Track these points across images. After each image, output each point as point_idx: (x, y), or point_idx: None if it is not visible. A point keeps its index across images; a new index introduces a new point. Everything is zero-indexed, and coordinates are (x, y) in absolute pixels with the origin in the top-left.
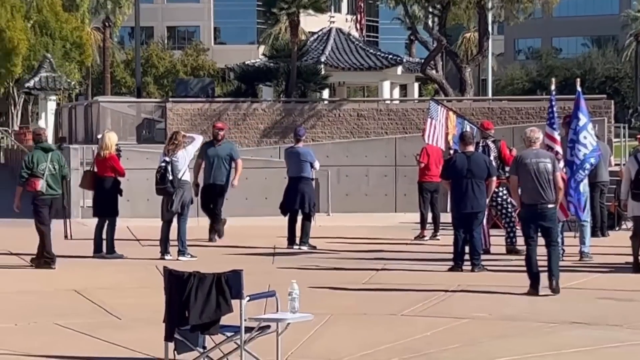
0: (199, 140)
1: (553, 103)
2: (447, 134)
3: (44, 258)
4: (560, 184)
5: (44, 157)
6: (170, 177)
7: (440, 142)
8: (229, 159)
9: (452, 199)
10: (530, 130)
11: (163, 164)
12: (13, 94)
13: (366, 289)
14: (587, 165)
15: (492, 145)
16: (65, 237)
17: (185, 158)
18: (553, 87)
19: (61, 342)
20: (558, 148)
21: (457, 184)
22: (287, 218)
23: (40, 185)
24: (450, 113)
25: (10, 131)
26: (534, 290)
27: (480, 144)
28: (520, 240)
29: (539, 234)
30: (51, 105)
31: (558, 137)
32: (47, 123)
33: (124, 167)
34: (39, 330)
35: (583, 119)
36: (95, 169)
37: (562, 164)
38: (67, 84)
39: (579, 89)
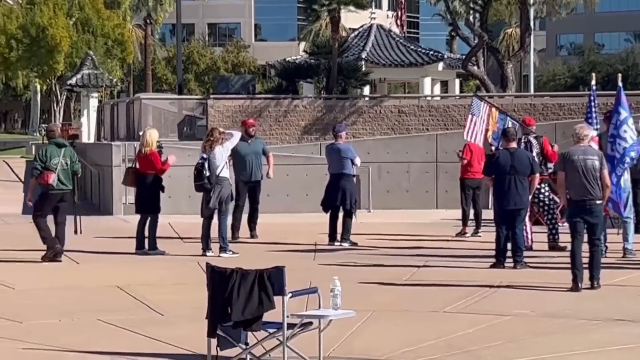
0: (237, 136)
1: (592, 98)
2: (486, 131)
3: (50, 251)
4: (607, 181)
5: (57, 151)
6: (208, 174)
7: (479, 139)
8: (262, 155)
9: (495, 196)
10: (580, 127)
11: (200, 161)
12: (55, 91)
13: (408, 284)
14: (627, 159)
15: (534, 142)
16: (75, 232)
17: (222, 154)
18: (593, 82)
19: (103, 338)
20: (593, 144)
21: (500, 181)
22: (328, 215)
23: (52, 179)
24: (493, 109)
25: None
26: (576, 286)
27: (523, 140)
28: (562, 237)
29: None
30: (93, 103)
31: (594, 134)
32: (89, 120)
33: (169, 164)
34: (82, 326)
35: (624, 113)
36: (137, 166)
37: None
38: (109, 81)
39: (619, 84)
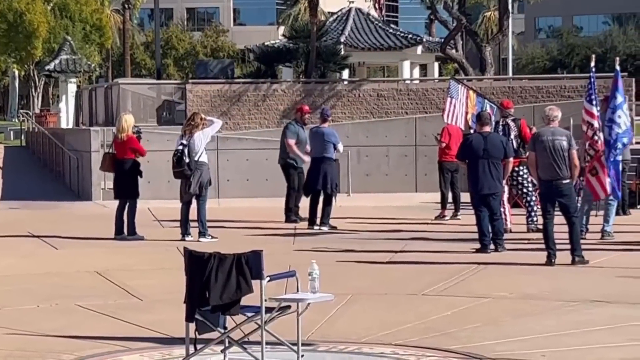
0: (217, 124)
1: (593, 79)
2: (466, 113)
3: None
4: (576, 161)
5: None
6: (187, 160)
7: (459, 121)
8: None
9: (469, 180)
10: (550, 108)
11: (180, 147)
12: (34, 77)
13: (387, 268)
14: (619, 145)
15: (512, 124)
16: None
17: (202, 140)
18: (593, 63)
19: (82, 323)
20: (595, 122)
21: (474, 165)
22: (308, 199)
23: None
24: (471, 92)
25: (31, 114)
26: (549, 261)
27: (501, 123)
28: (541, 220)
29: (557, 209)
30: (72, 88)
31: (597, 113)
32: (67, 106)
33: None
34: (61, 311)
35: (619, 98)
36: (114, 151)
37: (597, 136)
38: (87, 67)
39: (617, 67)
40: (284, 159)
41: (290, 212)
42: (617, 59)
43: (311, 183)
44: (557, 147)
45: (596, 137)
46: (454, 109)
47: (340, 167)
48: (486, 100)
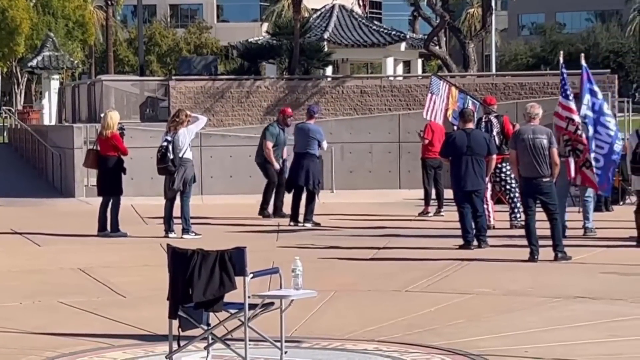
0: (202, 121)
1: (565, 75)
2: (447, 110)
3: None
4: (556, 159)
5: None
6: (171, 156)
7: (439, 117)
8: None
9: (452, 177)
10: (531, 106)
11: (164, 143)
12: (16, 74)
13: (370, 265)
14: (618, 142)
15: (494, 121)
16: None
17: (186, 136)
18: (561, 59)
19: (66, 320)
20: (576, 117)
21: (457, 162)
22: (291, 195)
23: None
24: (453, 88)
25: (13, 110)
26: (532, 257)
27: (483, 120)
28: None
29: (538, 205)
30: (54, 85)
31: (574, 107)
32: (50, 102)
33: (127, 145)
34: (44, 309)
35: (600, 94)
36: (98, 148)
37: (580, 130)
38: (70, 63)
39: (583, 63)
40: (261, 156)
41: (266, 205)
42: (582, 55)
43: (293, 179)
44: (538, 145)
45: (579, 132)
46: (434, 105)
47: (324, 164)
48: (468, 97)
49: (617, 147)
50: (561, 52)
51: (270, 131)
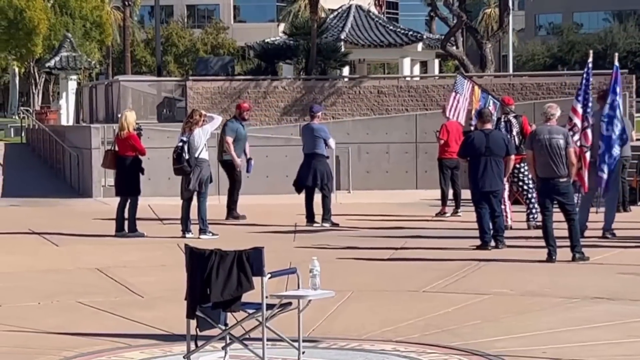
0: (217, 120)
1: (589, 77)
2: (470, 110)
3: None
4: (573, 158)
5: None
6: (187, 156)
7: (461, 117)
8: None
9: (470, 178)
10: (548, 106)
11: (180, 144)
12: (34, 74)
13: (388, 265)
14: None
15: (514, 121)
16: None
17: (201, 136)
18: (590, 59)
19: (83, 320)
20: (577, 120)
21: (475, 162)
22: (303, 196)
23: None
24: (476, 87)
25: (31, 111)
26: (550, 258)
27: (502, 120)
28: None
29: (556, 206)
30: (72, 85)
31: (580, 110)
32: (67, 103)
33: (144, 146)
34: (62, 309)
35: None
36: (116, 149)
37: (576, 137)
38: (87, 64)
39: (616, 63)
40: (222, 153)
41: (234, 206)
42: (617, 54)
43: (301, 179)
44: (554, 145)
45: (576, 138)
46: (457, 104)
47: (340, 164)
48: (490, 97)
49: (615, 151)
50: (590, 52)
51: (229, 126)
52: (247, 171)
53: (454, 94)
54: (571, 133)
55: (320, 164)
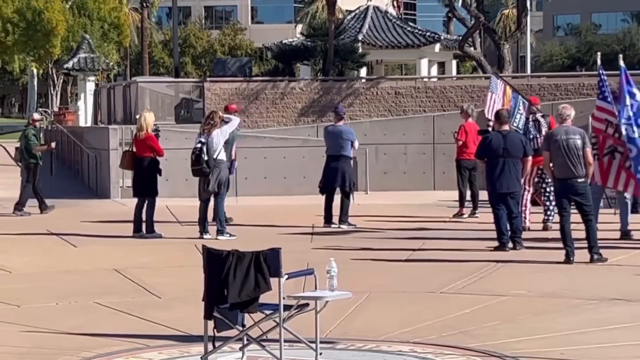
0: (235, 121)
1: (603, 77)
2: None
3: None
4: (590, 159)
5: None
6: (206, 158)
7: None
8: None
9: (488, 179)
10: (563, 107)
11: (198, 145)
12: (52, 75)
13: (405, 267)
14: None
15: (542, 120)
16: None
17: (220, 138)
18: (599, 61)
19: (101, 321)
20: (614, 120)
21: (493, 163)
22: (324, 197)
23: None
24: (507, 87)
25: (49, 112)
26: (568, 259)
27: (531, 119)
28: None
29: (573, 206)
30: (90, 86)
31: (614, 109)
32: (86, 104)
33: (162, 146)
34: (80, 309)
35: (637, 97)
36: (134, 149)
37: (622, 128)
38: (105, 65)
39: (621, 64)
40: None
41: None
42: (620, 56)
43: (328, 181)
44: (572, 146)
45: (617, 135)
46: (494, 104)
47: (358, 165)
48: (520, 97)
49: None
50: (598, 54)
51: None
52: (230, 173)
53: (490, 93)
54: (612, 130)
55: (347, 165)
